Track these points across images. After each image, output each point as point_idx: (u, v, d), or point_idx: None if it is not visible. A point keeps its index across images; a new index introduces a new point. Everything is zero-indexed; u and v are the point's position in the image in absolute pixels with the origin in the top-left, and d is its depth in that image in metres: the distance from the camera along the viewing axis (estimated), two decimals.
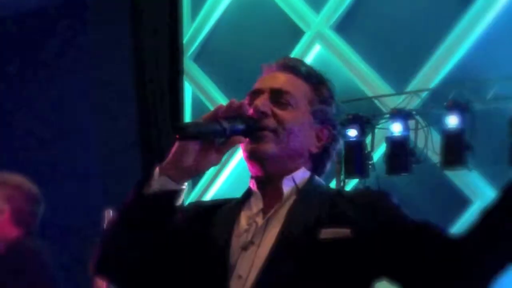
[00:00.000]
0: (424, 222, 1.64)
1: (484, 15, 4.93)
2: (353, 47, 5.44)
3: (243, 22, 5.97)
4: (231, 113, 1.66)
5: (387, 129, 4.89)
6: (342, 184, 5.06)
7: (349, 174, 4.99)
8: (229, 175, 5.86)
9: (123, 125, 6.13)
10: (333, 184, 4.95)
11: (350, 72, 5.39)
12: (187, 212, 1.80)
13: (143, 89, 6.07)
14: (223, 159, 1.72)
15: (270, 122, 1.71)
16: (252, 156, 1.71)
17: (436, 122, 4.79)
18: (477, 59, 4.92)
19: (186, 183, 1.68)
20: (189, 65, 6.17)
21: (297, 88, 1.76)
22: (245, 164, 1.77)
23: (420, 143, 4.85)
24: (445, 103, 4.68)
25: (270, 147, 1.70)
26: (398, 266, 1.61)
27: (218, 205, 1.81)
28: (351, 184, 5.21)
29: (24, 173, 3.25)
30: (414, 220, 1.65)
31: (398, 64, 5.27)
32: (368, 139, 5.03)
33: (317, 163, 1.79)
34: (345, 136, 4.78)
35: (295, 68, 1.79)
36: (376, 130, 5.06)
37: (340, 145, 1.85)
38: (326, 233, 1.62)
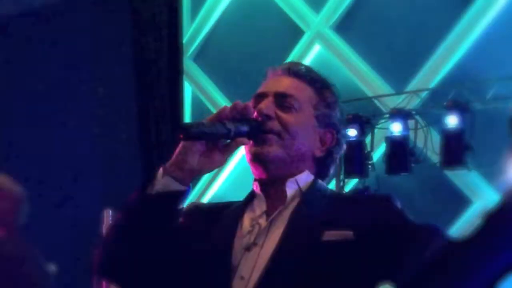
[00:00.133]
0: (427, 226, 1.64)
1: (483, 15, 4.93)
2: (353, 47, 5.45)
3: (243, 22, 5.97)
4: (236, 114, 1.66)
5: (387, 129, 4.90)
6: (341, 184, 5.07)
7: (349, 174, 5.00)
8: (227, 177, 5.87)
9: (123, 124, 6.13)
10: (332, 184, 4.95)
11: (350, 72, 5.39)
12: (189, 213, 1.80)
13: (143, 89, 6.08)
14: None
15: (274, 125, 1.71)
16: (256, 159, 1.71)
17: (436, 122, 4.80)
18: (477, 59, 4.92)
19: (190, 184, 1.68)
20: (189, 65, 6.18)
21: (301, 92, 1.76)
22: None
23: (420, 143, 4.86)
24: (444, 103, 4.69)
25: (274, 150, 1.70)
26: (400, 269, 1.61)
27: (221, 207, 1.81)
28: (350, 184, 5.21)
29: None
30: (417, 224, 1.65)
31: (398, 64, 5.28)
32: (367, 139, 5.04)
33: (320, 167, 1.79)
34: (345, 136, 4.78)
35: (299, 72, 1.79)
36: (375, 130, 5.07)
37: (344, 149, 1.85)
38: (329, 235, 1.63)
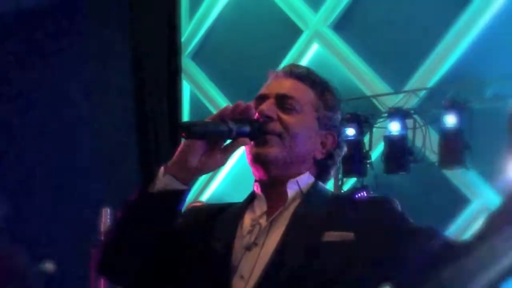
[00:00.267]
0: (427, 228, 1.64)
1: (481, 15, 4.94)
2: (351, 46, 5.45)
3: (241, 21, 5.97)
4: (237, 114, 1.66)
5: (385, 128, 4.90)
6: (340, 183, 5.07)
7: (347, 173, 5.00)
8: (225, 176, 5.86)
9: (122, 123, 6.13)
10: (331, 183, 4.95)
11: (348, 71, 5.40)
12: (190, 213, 1.80)
13: (141, 87, 6.08)
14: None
15: (276, 127, 1.71)
16: (257, 160, 1.71)
17: (434, 121, 4.80)
18: (475, 58, 4.93)
19: (191, 183, 1.68)
20: (187, 64, 6.18)
21: (302, 94, 1.77)
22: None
23: (418, 142, 4.86)
24: (443, 102, 4.70)
25: (274, 151, 1.70)
26: (399, 271, 1.62)
27: (222, 208, 1.82)
28: (349, 183, 5.22)
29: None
30: (417, 226, 1.65)
31: (396, 63, 5.28)
32: (366, 138, 5.04)
33: (321, 169, 1.79)
34: (345, 139, 4.78)
35: (301, 74, 1.80)
36: (374, 129, 5.08)
37: (345, 151, 1.85)
38: (330, 236, 1.63)
